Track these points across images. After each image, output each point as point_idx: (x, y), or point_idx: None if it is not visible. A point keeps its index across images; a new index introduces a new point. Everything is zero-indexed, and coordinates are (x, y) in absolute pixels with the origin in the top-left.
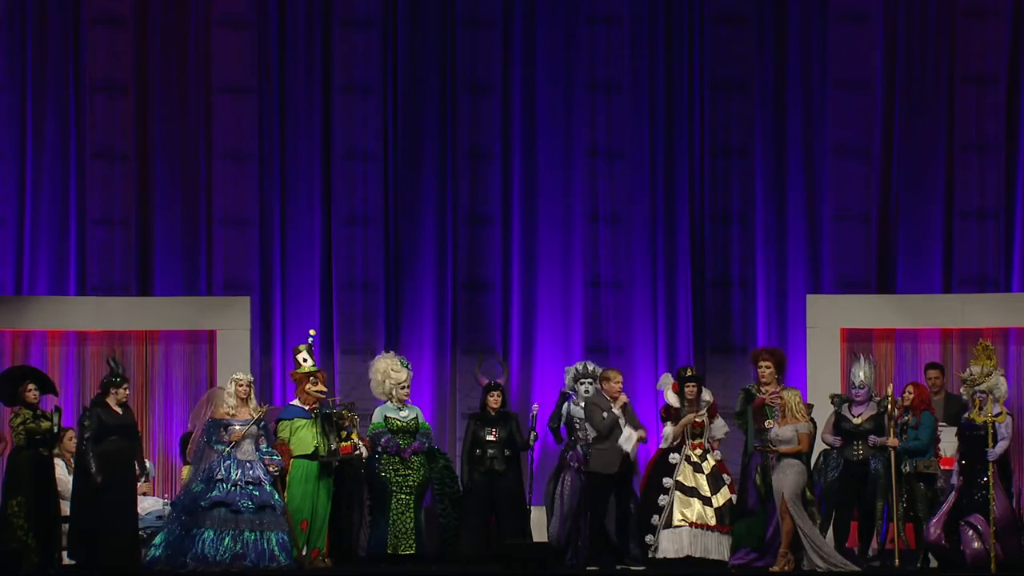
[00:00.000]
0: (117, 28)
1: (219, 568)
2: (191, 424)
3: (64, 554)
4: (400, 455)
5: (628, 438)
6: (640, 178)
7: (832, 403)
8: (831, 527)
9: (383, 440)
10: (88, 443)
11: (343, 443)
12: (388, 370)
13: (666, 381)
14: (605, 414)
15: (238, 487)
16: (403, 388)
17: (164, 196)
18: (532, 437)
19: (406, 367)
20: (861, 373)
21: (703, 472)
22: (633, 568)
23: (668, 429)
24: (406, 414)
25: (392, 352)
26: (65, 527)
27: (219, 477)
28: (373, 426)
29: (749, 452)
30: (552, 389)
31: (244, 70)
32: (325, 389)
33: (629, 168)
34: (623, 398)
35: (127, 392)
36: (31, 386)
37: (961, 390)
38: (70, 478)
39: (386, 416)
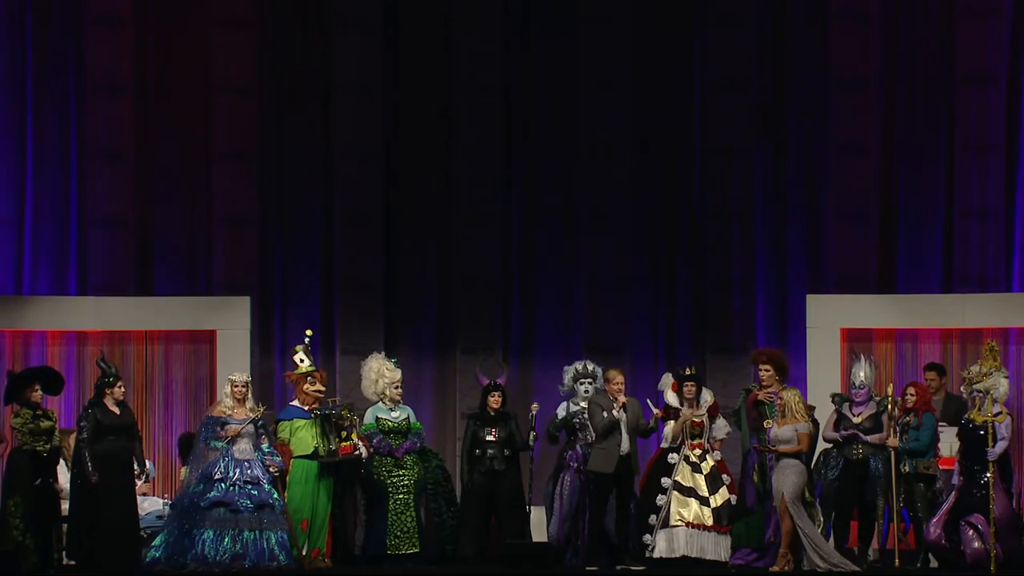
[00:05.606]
0: (117, 28)
1: (219, 568)
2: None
3: (63, 554)
4: (392, 455)
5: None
6: (640, 177)
7: (833, 402)
8: (831, 527)
9: (375, 441)
10: (85, 444)
11: (343, 443)
12: (382, 369)
13: (666, 381)
14: (605, 414)
15: (236, 486)
16: (397, 388)
17: (164, 196)
18: (532, 437)
19: (398, 367)
20: (862, 373)
21: (701, 472)
22: (633, 568)
23: (668, 428)
24: (397, 415)
25: (383, 353)
26: (65, 527)
27: (217, 476)
28: (365, 427)
29: (744, 451)
30: (552, 389)
31: (244, 70)
32: (323, 389)
33: (629, 167)
34: (623, 398)
35: (122, 390)
36: (37, 387)
37: (961, 388)
38: (69, 477)
39: (378, 417)
